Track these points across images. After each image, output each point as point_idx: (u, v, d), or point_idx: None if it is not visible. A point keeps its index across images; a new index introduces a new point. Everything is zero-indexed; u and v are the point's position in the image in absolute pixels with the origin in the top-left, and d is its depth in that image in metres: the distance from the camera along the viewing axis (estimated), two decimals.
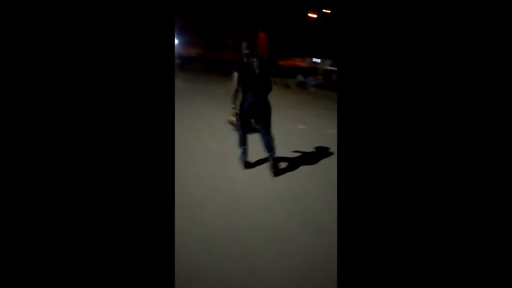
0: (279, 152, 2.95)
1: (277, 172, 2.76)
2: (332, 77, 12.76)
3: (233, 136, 3.19)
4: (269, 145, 2.72)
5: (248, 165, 2.94)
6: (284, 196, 2.45)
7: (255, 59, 2.62)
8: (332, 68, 14.45)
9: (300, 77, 12.79)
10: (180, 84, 9.92)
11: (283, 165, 3.09)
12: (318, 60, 18.36)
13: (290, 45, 20.00)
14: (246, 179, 2.76)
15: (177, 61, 15.24)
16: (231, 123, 3.07)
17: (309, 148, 3.86)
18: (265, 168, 2.93)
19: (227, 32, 18.19)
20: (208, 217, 2.03)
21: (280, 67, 17.69)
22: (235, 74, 2.60)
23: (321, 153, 3.72)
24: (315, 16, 15.96)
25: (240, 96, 2.69)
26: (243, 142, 2.86)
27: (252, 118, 2.77)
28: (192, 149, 3.47)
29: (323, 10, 14.67)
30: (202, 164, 3.03)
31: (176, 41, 17.95)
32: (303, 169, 3.10)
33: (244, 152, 2.88)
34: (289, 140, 4.01)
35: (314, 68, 15.17)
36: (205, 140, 3.92)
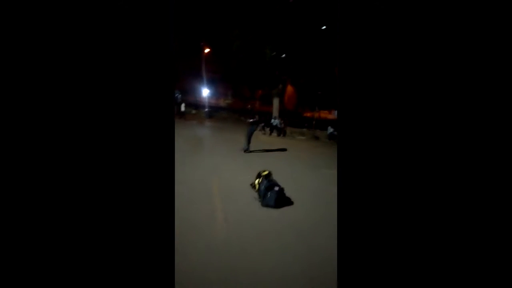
0: None
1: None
2: None
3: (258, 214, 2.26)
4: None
5: None
6: None
7: None
8: None
9: (330, 129, 12.09)
10: (205, 131, 9.59)
11: None
12: None
13: (317, 98, 20.13)
14: None
15: (206, 110, 15.67)
16: (254, 187, 3.01)
17: None
18: None
19: (256, 83, 18.85)
20: None
21: (308, 119, 17.49)
22: None
23: None
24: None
25: None
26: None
27: None
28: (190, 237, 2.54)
29: None
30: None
31: (207, 91, 18.83)
32: None
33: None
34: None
35: None
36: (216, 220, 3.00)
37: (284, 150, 8.06)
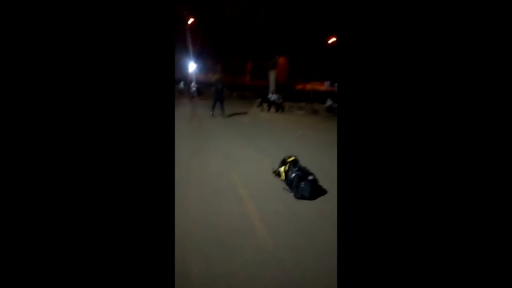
0: None
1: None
2: None
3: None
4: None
5: None
6: None
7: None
8: None
9: (329, 102, 11.68)
10: (196, 111, 8.96)
11: None
12: None
13: (309, 69, 19.38)
14: None
15: (193, 86, 14.67)
16: (278, 175, 2.95)
17: None
18: None
19: (248, 55, 17.78)
20: None
21: (304, 92, 16.93)
22: None
23: None
24: (334, 40, 15.31)
25: None
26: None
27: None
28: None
29: None
30: None
31: (194, 66, 17.63)
32: None
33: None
34: None
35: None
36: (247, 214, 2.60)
37: (287, 127, 7.66)
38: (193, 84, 14.84)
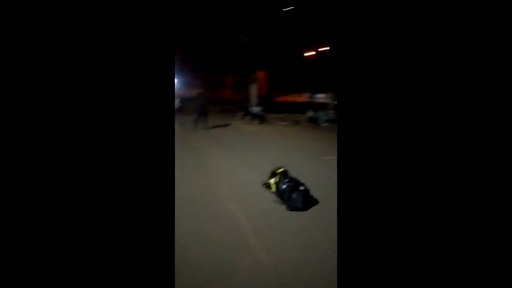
0: None
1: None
2: None
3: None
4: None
5: None
6: None
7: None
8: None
9: (310, 113, 11.97)
10: (179, 126, 8.81)
11: None
12: (319, 95, 18.12)
13: (288, 82, 19.92)
14: None
15: (177, 102, 14.43)
16: (268, 187, 2.90)
17: None
18: None
19: (228, 70, 17.95)
20: None
21: (284, 104, 17.26)
22: None
23: None
24: (312, 53, 15.98)
25: None
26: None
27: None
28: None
29: (319, 49, 14.58)
30: None
31: (175, 81, 17.50)
32: None
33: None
34: None
35: (324, 103, 14.60)
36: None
37: (271, 139, 7.70)
38: (177, 101, 14.65)
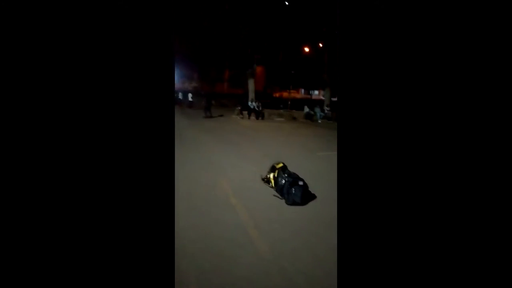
0: None
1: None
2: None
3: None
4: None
5: None
6: None
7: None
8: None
9: (307, 109, 12.03)
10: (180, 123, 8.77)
11: None
12: (316, 92, 18.15)
13: (285, 78, 19.88)
14: None
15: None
16: (267, 182, 2.98)
17: None
18: None
19: (226, 64, 17.78)
20: None
21: (281, 100, 17.25)
22: None
23: None
24: (308, 50, 15.95)
25: None
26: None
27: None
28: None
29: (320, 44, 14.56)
30: None
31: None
32: None
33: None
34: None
35: (321, 100, 14.66)
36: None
37: (269, 134, 7.74)
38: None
